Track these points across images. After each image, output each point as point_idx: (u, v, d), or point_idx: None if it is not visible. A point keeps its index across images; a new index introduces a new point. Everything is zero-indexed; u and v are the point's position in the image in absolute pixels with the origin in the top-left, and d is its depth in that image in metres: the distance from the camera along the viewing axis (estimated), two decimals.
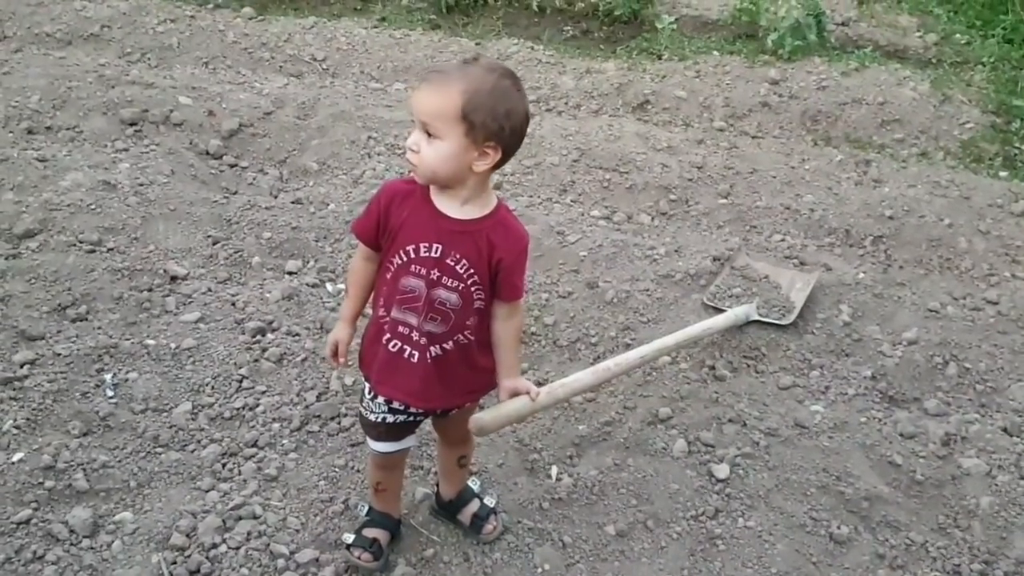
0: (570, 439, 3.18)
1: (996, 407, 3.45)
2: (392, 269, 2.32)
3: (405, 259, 2.29)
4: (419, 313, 2.32)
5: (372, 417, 2.51)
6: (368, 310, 2.51)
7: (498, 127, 2.17)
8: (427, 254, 2.28)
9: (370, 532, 2.70)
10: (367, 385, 2.50)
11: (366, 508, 2.76)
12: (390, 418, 2.50)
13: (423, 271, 2.29)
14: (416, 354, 2.37)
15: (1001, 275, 4.18)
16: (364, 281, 2.45)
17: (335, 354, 2.53)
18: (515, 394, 2.45)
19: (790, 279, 3.97)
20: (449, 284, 2.29)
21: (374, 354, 2.44)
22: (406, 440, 2.58)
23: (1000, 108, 5.56)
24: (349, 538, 2.70)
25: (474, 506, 2.80)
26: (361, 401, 2.55)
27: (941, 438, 3.23)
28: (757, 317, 3.75)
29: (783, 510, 2.95)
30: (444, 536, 2.81)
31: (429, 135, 2.16)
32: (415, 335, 2.35)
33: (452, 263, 2.27)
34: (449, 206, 2.26)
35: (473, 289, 2.31)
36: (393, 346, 2.38)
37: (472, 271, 2.29)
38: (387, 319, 2.37)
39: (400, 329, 2.36)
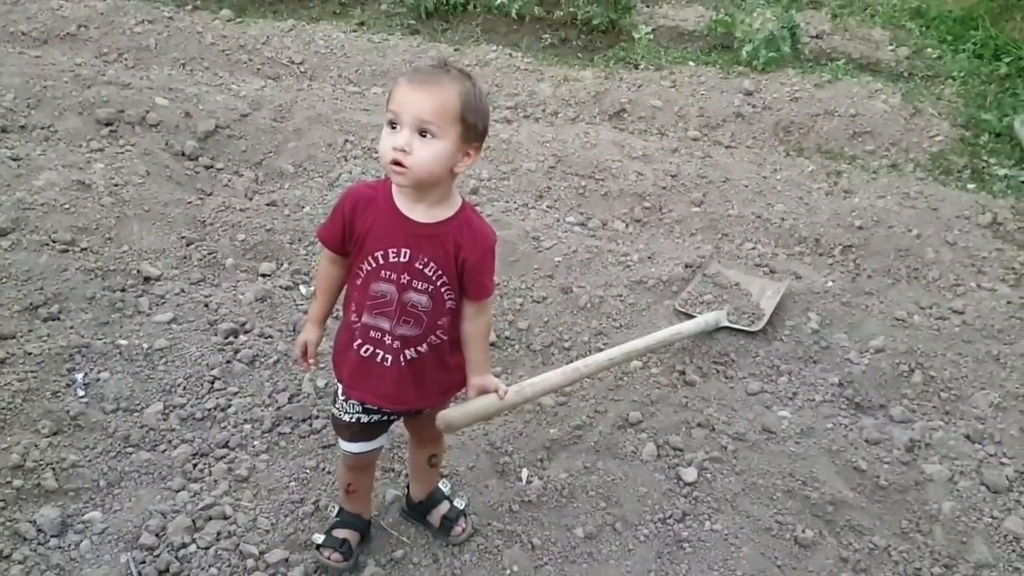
0: (541, 442, 3.20)
1: (959, 414, 3.50)
2: (362, 275, 2.33)
3: (374, 265, 2.31)
4: (391, 317, 2.34)
5: (346, 417, 2.53)
6: (340, 313, 2.52)
7: (483, 129, 2.25)
8: (396, 259, 2.29)
9: (340, 532, 2.71)
10: (339, 387, 2.52)
11: (337, 508, 2.78)
12: (364, 418, 2.52)
13: (393, 276, 2.30)
14: (389, 358, 2.39)
15: (967, 285, 4.25)
16: (332, 284, 2.48)
17: (304, 355, 2.55)
18: (484, 392, 2.47)
19: (760, 287, 4.02)
20: (419, 287, 2.32)
21: (346, 358, 2.45)
22: (378, 440, 2.60)
23: (969, 122, 5.65)
24: (319, 538, 2.71)
25: (443, 508, 2.82)
26: (334, 402, 2.57)
27: (905, 444, 3.28)
28: (727, 323, 3.79)
29: (749, 514, 2.99)
30: (414, 537, 2.82)
31: (423, 135, 2.16)
32: (388, 339, 2.37)
33: (420, 267, 2.30)
34: (414, 210, 2.28)
35: (444, 290, 2.34)
36: (365, 351, 2.40)
37: (440, 272, 2.31)
38: (359, 324, 2.38)
39: (372, 334, 2.38)
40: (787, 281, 4.07)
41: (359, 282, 2.35)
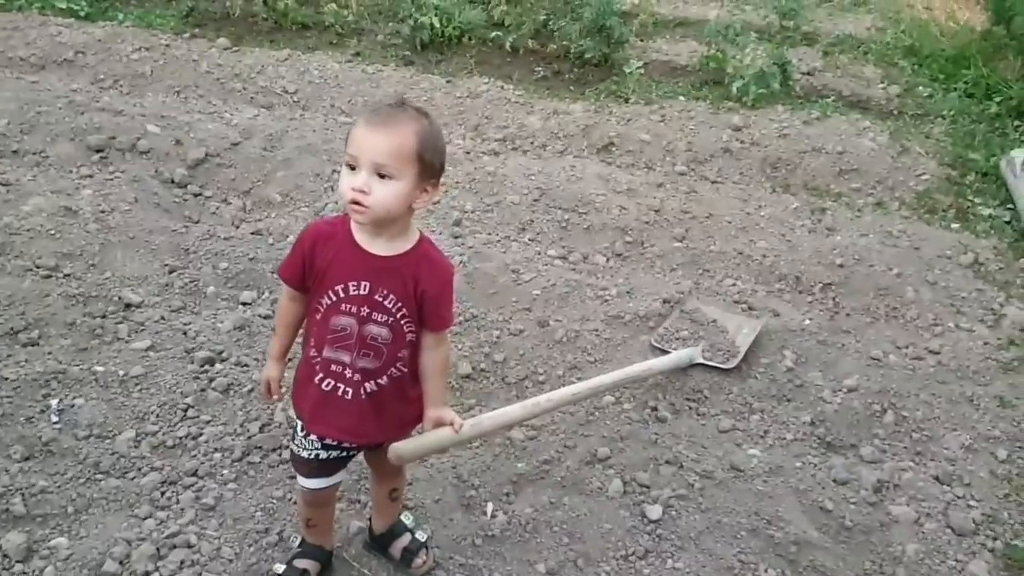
0: (508, 476, 3.22)
1: (930, 455, 3.51)
2: (321, 310, 2.36)
3: (334, 299, 2.34)
4: (351, 350, 2.37)
5: (305, 454, 2.54)
6: (299, 350, 2.55)
7: (440, 166, 2.31)
8: (356, 292, 2.33)
9: (301, 563, 2.72)
10: (299, 423, 2.54)
11: (299, 539, 2.80)
12: (323, 454, 2.54)
13: (353, 308, 2.34)
14: (350, 391, 2.41)
15: (945, 325, 4.26)
16: (292, 320, 2.51)
17: (268, 391, 2.59)
18: (440, 424, 2.48)
19: (737, 324, 4.04)
20: (379, 319, 2.35)
21: (306, 394, 2.47)
22: (336, 476, 2.62)
23: (956, 161, 5.68)
24: (280, 568, 2.73)
25: (405, 540, 2.84)
26: (293, 439, 2.59)
27: (873, 485, 3.29)
28: (701, 360, 3.81)
29: (712, 552, 3.00)
30: (375, 570, 2.84)
31: (381, 176, 2.21)
32: (348, 372, 2.39)
33: (380, 299, 2.33)
34: (373, 243, 2.32)
35: (404, 322, 2.37)
36: (327, 385, 2.42)
37: (400, 304, 2.35)
38: (319, 359, 2.41)
39: (333, 368, 2.40)
40: (764, 319, 4.09)
41: (318, 316, 2.38)
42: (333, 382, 2.41)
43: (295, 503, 3.01)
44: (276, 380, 2.57)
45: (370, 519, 2.90)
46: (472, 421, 2.62)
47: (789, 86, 6.36)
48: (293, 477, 3.10)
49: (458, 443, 2.65)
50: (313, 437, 2.50)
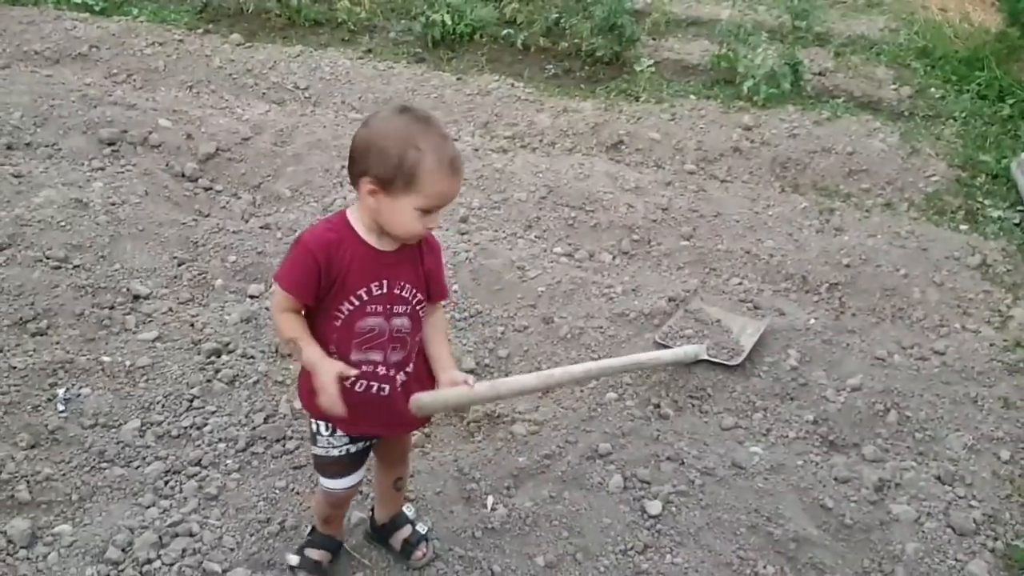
0: (509, 470, 3.24)
1: (933, 455, 3.51)
2: (343, 316, 2.34)
3: (358, 303, 2.34)
4: (383, 348, 2.40)
5: (335, 452, 2.53)
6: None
7: None
8: (378, 292, 2.36)
9: (314, 553, 2.76)
10: (320, 424, 2.50)
11: (310, 528, 2.82)
12: (353, 448, 2.55)
13: (379, 308, 2.36)
14: (387, 387, 2.44)
15: (951, 326, 4.25)
16: (303, 324, 2.38)
17: (342, 380, 2.33)
18: (455, 384, 2.48)
19: (741, 325, 4.04)
20: (400, 311, 2.40)
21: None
22: (361, 471, 2.63)
23: (967, 163, 5.66)
24: (294, 560, 2.75)
25: (406, 531, 2.86)
26: (315, 443, 2.55)
27: (874, 484, 3.29)
28: (706, 357, 3.82)
29: (711, 548, 3.01)
30: (375, 561, 2.86)
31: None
32: (382, 369, 2.42)
33: (399, 292, 2.38)
34: (381, 241, 2.35)
35: (419, 307, 2.44)
36: (359, 387, 2.40)
37: (415, 291, 2.41)
38: (335, 351, 2.39)
39: (364, 368, 2.39)
40: (768, 320, 4.09)
41: (338, 323, 2.36)
42: (366, 382, 2.42)
43: (298, 493, 3.06)
44: (341, 366, 2.35)
45: (372, 510, 2.92)
46: (488, 383, 2.67)
47: (800, 86, 6.35)
48: (296, 468, 3.16)
49: (474, 401, 2.71)
50: (340, 432, 2.50)
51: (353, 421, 2.42)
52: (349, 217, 2.36)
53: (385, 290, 2.36)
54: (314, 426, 2.52)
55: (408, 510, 2.94)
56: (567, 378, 3.12)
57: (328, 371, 2.27)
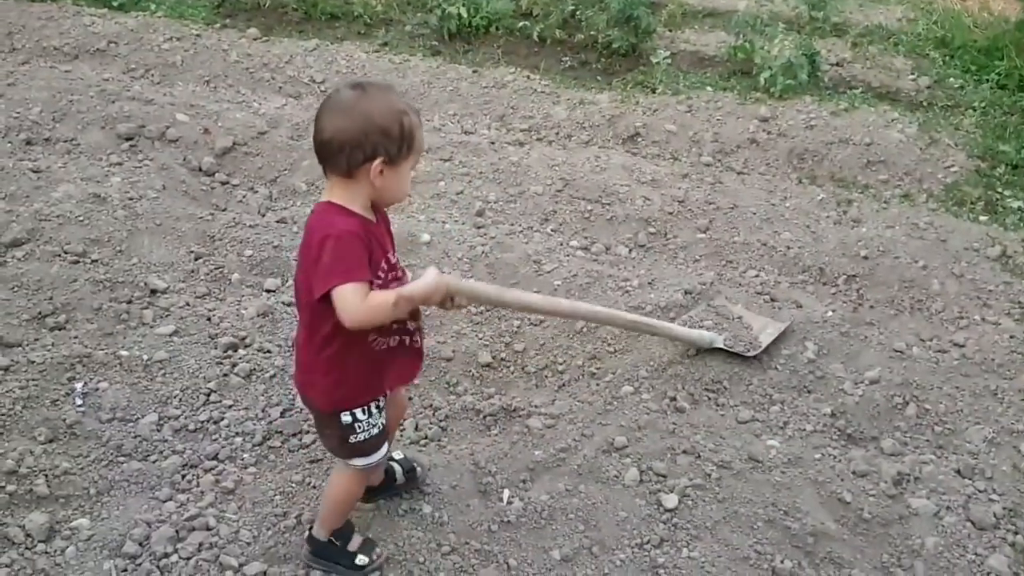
0: (525, 464, 3.24)
1: (952, 449, 3.49)
2: (378, 287, 2.40)
3: (386, 268, 2.45)
4: None
5: (376, 430, 2.61)
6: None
7: None
8: (393, 259, 2.51)
9: (377, 551, 2.83)
10: (357, 411, 2.55)
11: (357, 541, 2.82)
12: (384, 414, 2.65)
13: (398, 273, 2.51)
14: (418, 339, 2.64)
15: (971, 318, 4.22)
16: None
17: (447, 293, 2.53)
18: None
19: (763, 324, 3.99)
20: (401, 273, 2.54)
21: (377, 370, 2.54)
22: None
23: (986, 153, 5.61)
24: (363, 560, 2.79)
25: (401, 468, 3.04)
26: (353, 434, 2.57)
27: (893, 477, 3.27)
28: (722, 345, 3.80)
29: (728, 542, 3.00)
30: (392, 554, 2.86)
31: None
32: (411, 325, 2.58)
33: (396, 256, 2.56)
34: (372, 216, 2.47)
35: None
36: (394, 342, 2.55)
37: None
38: (377, 335, 2.49)
39: (394, 326, 2.51)
40: (789, 322, 4.04)
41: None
42: (399, 337, 2.56)
43: (315, 487, 3.07)
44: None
45: None
46: (519, 291, 3.02)
47: (817, 77, 6.30)
48: (313, 462, 3.17)
49: (501, 302, 3.00)
50: (377, 405, 2.58)
51: (400, 375, 2.63)
52: (341, 204, 2.38)
53: (393, 258, 2.50)
54: (347, 418, 2.55)
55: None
56: (578, 312, 3.32)
57: (440, 284, 2.44)
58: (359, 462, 2.65)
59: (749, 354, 3.80)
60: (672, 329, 3.70)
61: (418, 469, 3.07)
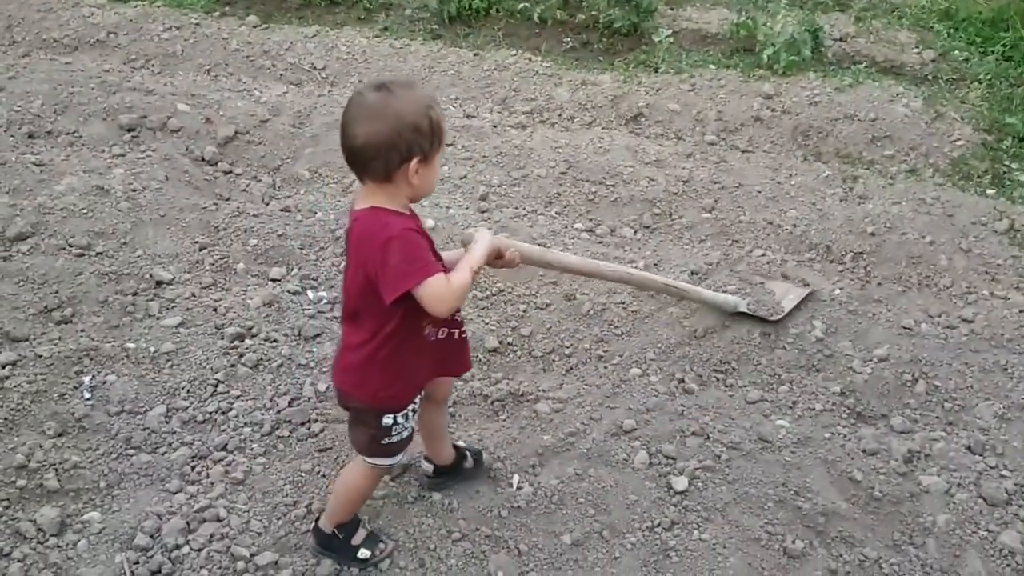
0: (534, 449, 3.23)
1: (963, 425, 3.47)
2: None
3: (436, 257, 2.47)
4: None
5: (407, 432, 2.63)
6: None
7: None
8: (438, 253, 2.52)
9: (381, 545, 2.84)
10: (398, 415, 2.57)
11: (361, 535, 2.82)
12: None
13: (443, 265, 2.47)
14: (466, 331, 2.71)
15: (979, 293, 4.19)
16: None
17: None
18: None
19: (785, 290, 4.05)
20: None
21: (428, 363, 2.61)
22: None
23: (992, 126, 5.56)
24: (366, 554, 2.79)
25: (469, 457, 3.09)
26: (389, 436, 2.59)
27: (903, 455, 3.26)
28: (745, 309, 3.84)
29: (739, 523, 2.99)
30: (402, 542, 2.87)
31: None
32: (458, 316, 2.65)
33: None
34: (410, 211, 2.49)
35: None
36: (442, 335, 2.60)
37: None
38: (431, 327, 2.54)
39: (442, 322, 2.56)
40: (811, 288, 4.06)
41: None
42: (447, 330, 2.62)
43: (324, 476, 3.07)
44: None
45: (424, 460, 3.04)
46: (560, 252, 3.32)
47: (821, 53, 6.25)
48: (322, 451, 3.18)
49: (547, 260, 3.09)
50: (412, 408, 2.61)
51: (444, 366, 2.68)
52: (384, 206, 2.37)
53: (435, 250, 2.48)
54: (389, 420, 2.57)
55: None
56: (608, 272, 3.39)
57: (488, 236, 2.56)
58: (381, 461, 2.67)
59: (772, 318, 3.84)
60: (701, 293, 3.79)
61: (484, 456, 3.12)
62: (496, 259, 2.64)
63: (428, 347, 2.56)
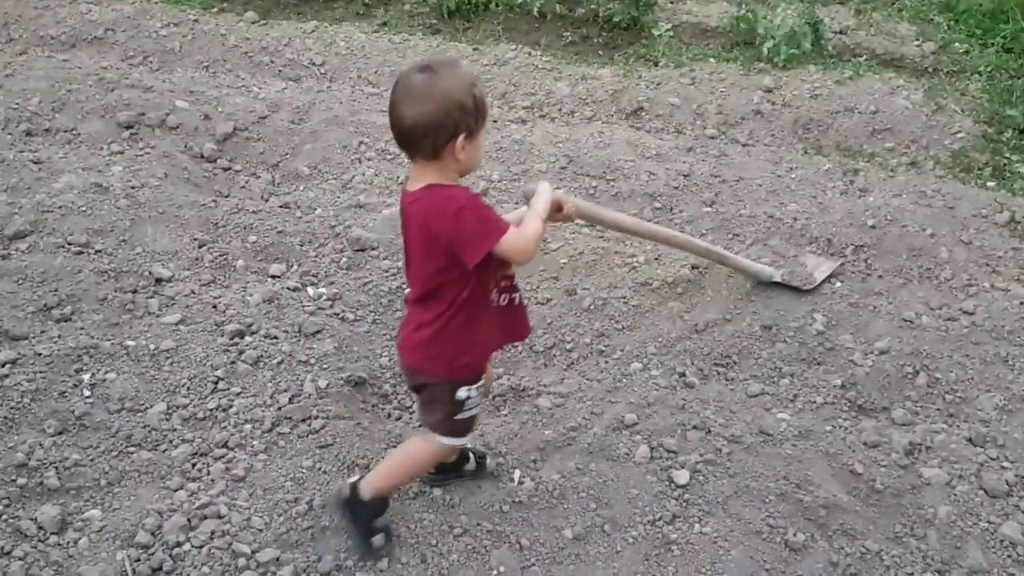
0: (535, 443, 3.23)
1: (964, 417, 3.47)
2: None
3: None
4: (508, 265, 2.63)
5: (478, 407, 2.73)
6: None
7: None
8: None
9: (383, 522, 2.84)
10: (472, 387, 2.66)
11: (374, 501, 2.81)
12: None
13: None
14: (519, 297, 2.75)
15: (980, 285, 4.18)
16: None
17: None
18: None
19: (816, 262, 4.20)
20: None
21: (497, 328, 2.69)
22: None
23: (993, 118, 5.55)
24: (379, 542, 2.79)
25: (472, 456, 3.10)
26: (462, 410, 2.68)
27: (905, 448, 3.26)
28: (779, 279, 4.00)
29: (740, 517, 2.99)
30: (404, 537, 2.86)
31: None
32: (517, 281, 2.72)
33: None
34: None
35: None
36: (504, 301, 2.67)
37: None
38: (495, 287, 2.62)
39: (503, 284, 2.66)
40: (841, 260, 4.22)
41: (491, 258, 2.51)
42: (508, 295, 2.68)
43: (325, 472, 3.05)
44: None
45: None
46: (594, 205, 3.58)
47: (821, 46, 6.24)
48: (322, 447, 3.17)
49: (608, 220, 3.40)
50: (480, 383, 2.69)
51: (508, 333, 2.77)
52: (440, 182, 2.47)
53: None
54: (463, 393, 2.65)
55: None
56: (656, 233, 3.69)
57: (548, 186, 2.68)
58: (451, 441, 2.74)
59: (806, 288, 3.97)
60: (738, 260, 3.97)
61: (488, 460, 3.12)
62: (556, 211, 2.74)
63: (495, 313, 2.64)
